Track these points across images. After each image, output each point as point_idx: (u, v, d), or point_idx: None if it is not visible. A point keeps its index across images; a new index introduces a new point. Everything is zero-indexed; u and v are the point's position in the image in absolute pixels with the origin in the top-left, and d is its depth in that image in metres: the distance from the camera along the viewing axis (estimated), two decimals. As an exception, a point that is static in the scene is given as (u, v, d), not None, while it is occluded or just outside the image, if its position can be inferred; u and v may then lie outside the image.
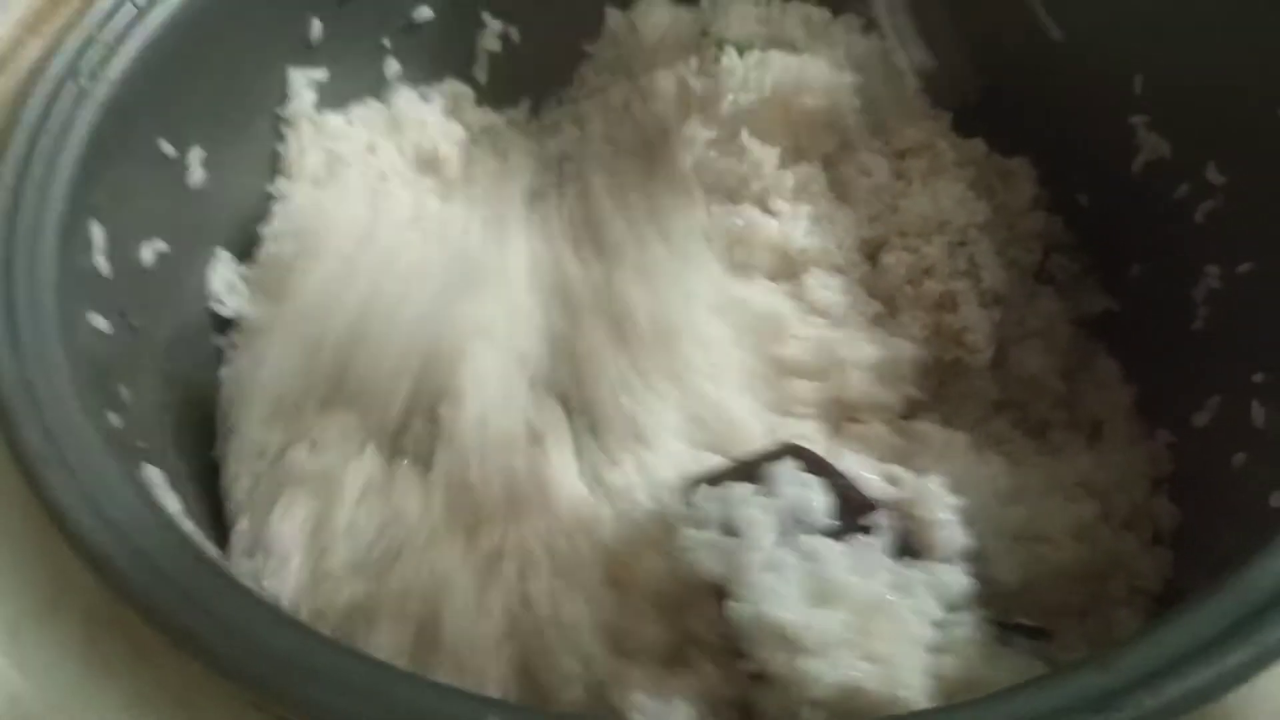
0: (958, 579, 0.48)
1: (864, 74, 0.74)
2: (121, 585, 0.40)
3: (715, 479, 0.53)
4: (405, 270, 0.67)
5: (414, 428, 0.61)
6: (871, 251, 0.71)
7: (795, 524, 0.50)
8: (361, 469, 0.59)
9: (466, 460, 0.58)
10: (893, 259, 0.69)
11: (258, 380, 0.62)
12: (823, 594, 0.47)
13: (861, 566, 0.48)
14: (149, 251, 0.61)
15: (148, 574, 0.40)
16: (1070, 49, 0.70)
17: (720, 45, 0.74)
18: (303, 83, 0.73)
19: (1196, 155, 0.63)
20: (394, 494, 0.58)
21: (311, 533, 0.57)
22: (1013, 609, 0.53)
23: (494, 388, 0.60)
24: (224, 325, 0.68)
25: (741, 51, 0.73)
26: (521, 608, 0.53)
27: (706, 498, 0.51)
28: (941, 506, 0.52)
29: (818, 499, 0.50)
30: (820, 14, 0.77)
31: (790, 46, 0.74)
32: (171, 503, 0.51)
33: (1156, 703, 0.36)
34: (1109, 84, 0.68)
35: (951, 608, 0.48)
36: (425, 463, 0.59)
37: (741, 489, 0.51)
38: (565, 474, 0.58)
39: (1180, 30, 0.64)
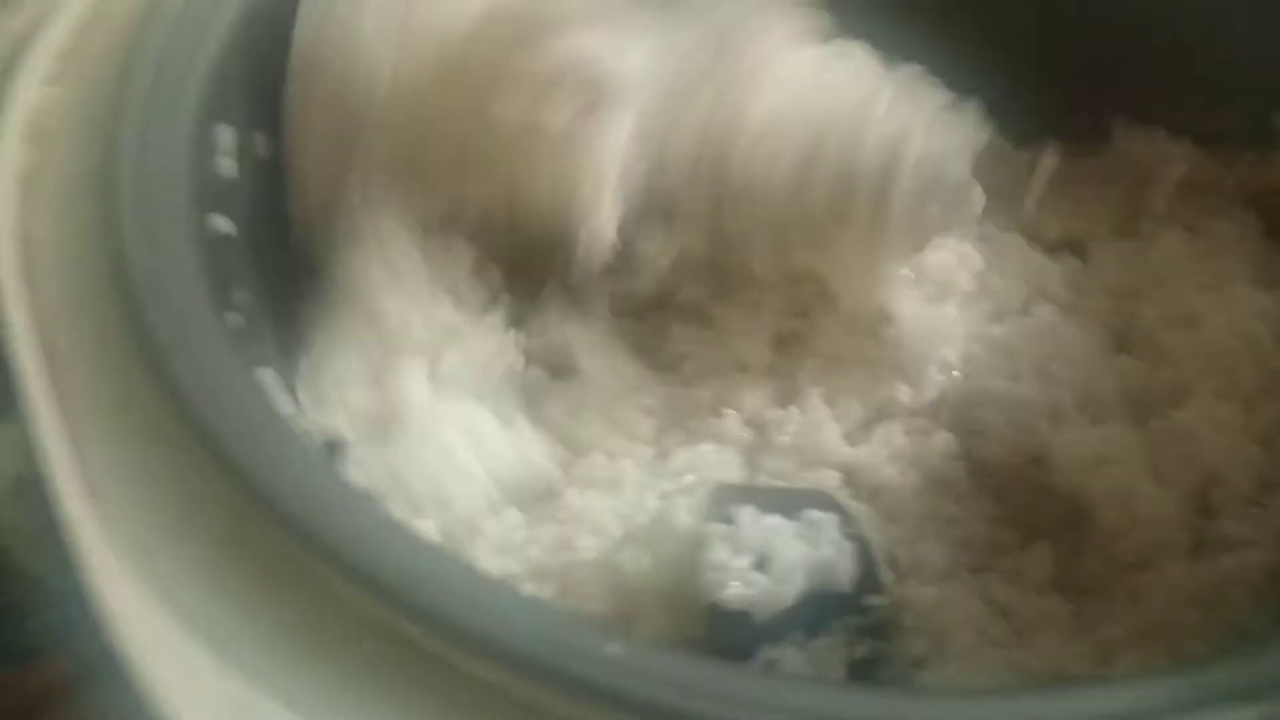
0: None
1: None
2: (254, 488, 0.40)
3: (753, 499, 0.50)
4: None
5: None
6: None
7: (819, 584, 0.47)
8: None
9: None
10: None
11: None
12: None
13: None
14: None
15: (280, 479, 0.41)
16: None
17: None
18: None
19: None
20: None
21: None
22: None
23: None
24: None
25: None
26: None
27: (753, 520, 0.48)
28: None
29: (847, 569, 0.47)
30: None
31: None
32: (286, 405, 0.52)
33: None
34: None
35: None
36: None
37: (788, 526, 0.48)
38: None
39: None
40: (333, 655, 0.38)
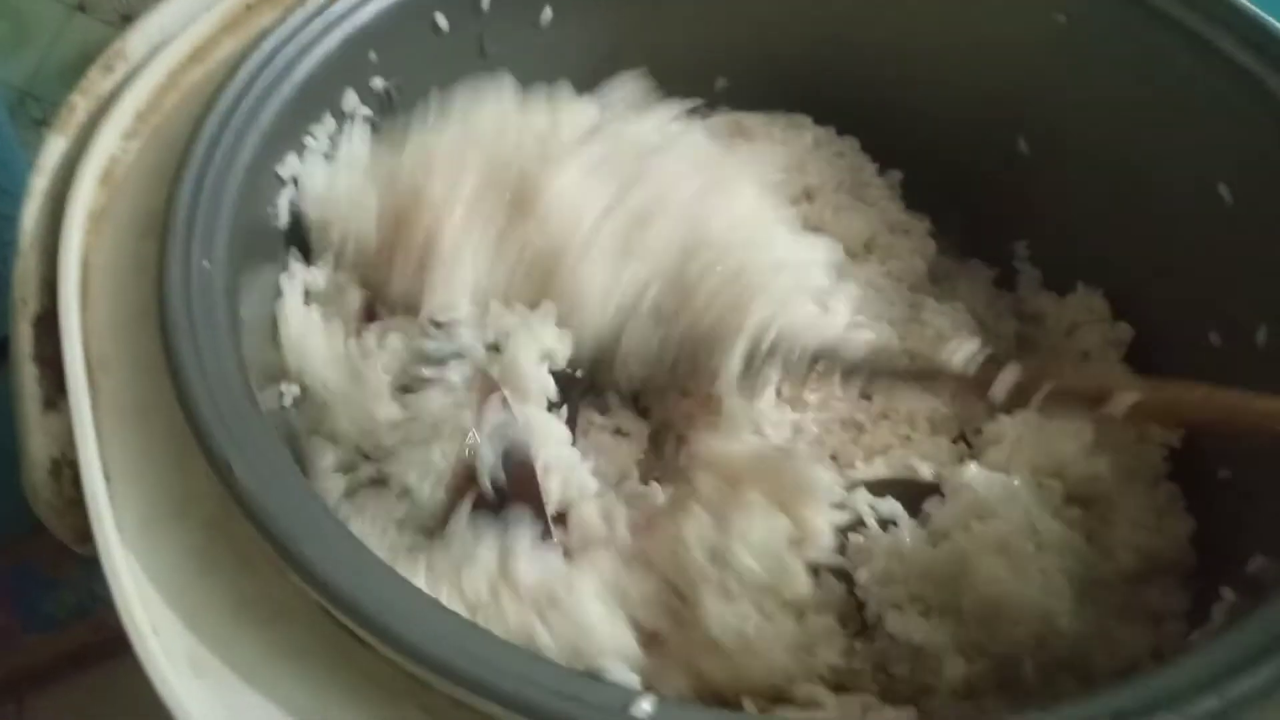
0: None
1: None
2: (236, 487, 0.48)
3: None
4: None
5: None
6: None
7: None
8: None
9: None
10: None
11: None
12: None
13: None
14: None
15: (261, 484, 0.49)
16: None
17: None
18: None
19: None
20: None
21: None
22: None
23: None
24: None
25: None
26: None
27: None
28: None
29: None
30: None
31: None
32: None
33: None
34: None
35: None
36: None
37: None
38: None
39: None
40: (275, 622, 0.47)
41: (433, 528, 0.61)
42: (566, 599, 0.56)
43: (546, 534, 0.61)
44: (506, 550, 0.57)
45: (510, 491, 0.60)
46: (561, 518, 0.63)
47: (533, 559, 0.57)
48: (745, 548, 0.58)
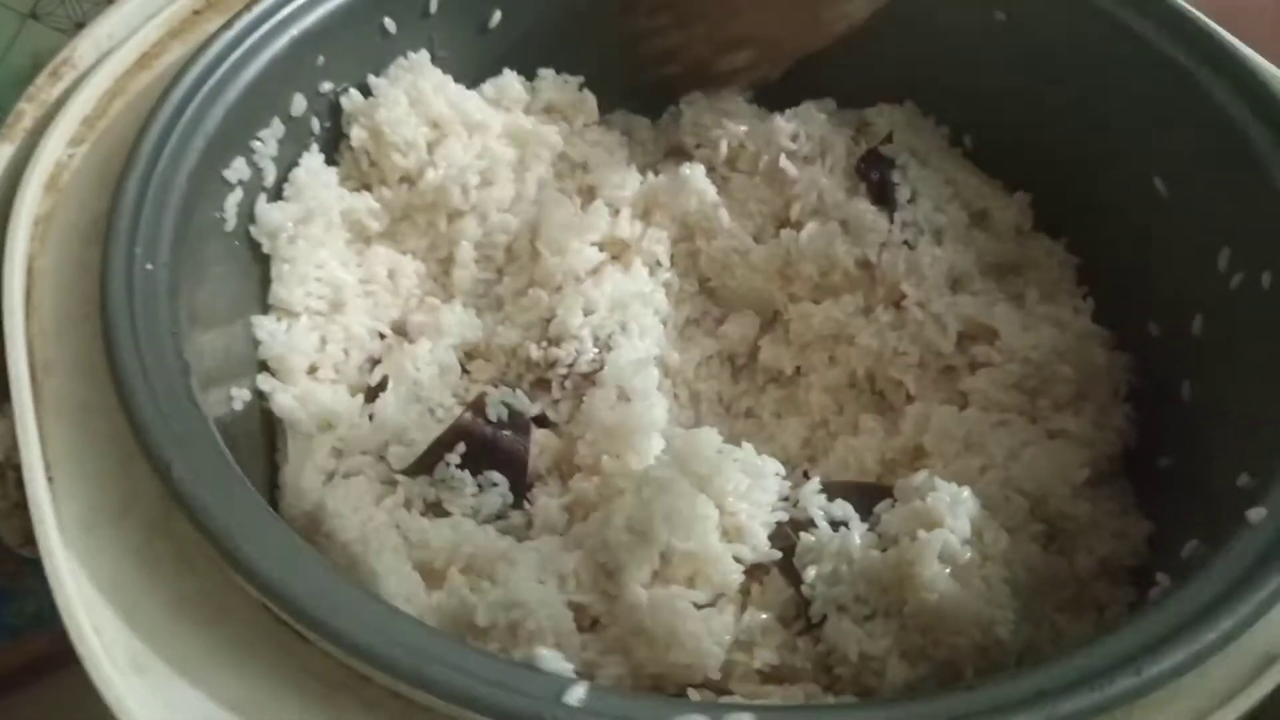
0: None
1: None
2: (179, 489, 0.49)
3: None
4: None
5: None
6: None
7: None
8: None
9: None
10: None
11: None
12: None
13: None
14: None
15: (202, 484, 0.49)
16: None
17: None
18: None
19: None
20: None
21: None
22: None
23: None
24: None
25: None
26: None
27: None
28: None
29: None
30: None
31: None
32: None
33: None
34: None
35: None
36: None
37: None
38: None
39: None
40: (215, 619, 0.48)
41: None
42: (507, 576, 0.57)
43: (515, 505, 0.65)
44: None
45: (497, 454, 0.66)
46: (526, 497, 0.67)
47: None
48: (666, 524, 0.58)
